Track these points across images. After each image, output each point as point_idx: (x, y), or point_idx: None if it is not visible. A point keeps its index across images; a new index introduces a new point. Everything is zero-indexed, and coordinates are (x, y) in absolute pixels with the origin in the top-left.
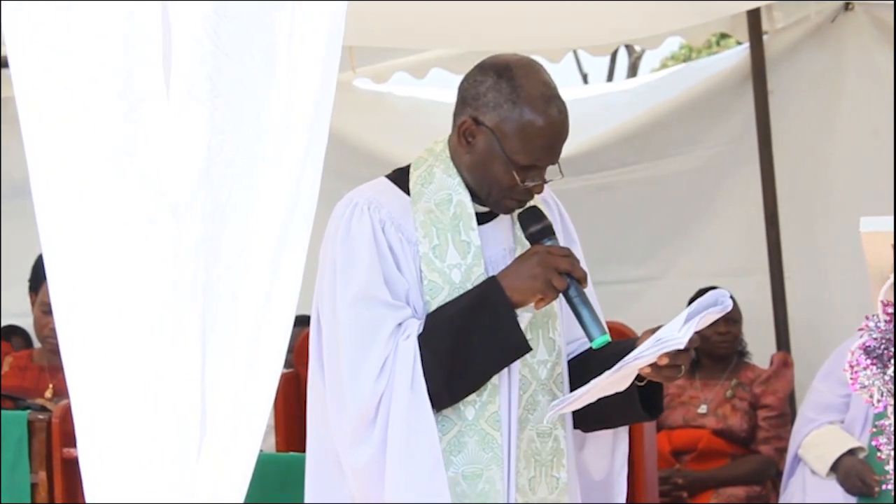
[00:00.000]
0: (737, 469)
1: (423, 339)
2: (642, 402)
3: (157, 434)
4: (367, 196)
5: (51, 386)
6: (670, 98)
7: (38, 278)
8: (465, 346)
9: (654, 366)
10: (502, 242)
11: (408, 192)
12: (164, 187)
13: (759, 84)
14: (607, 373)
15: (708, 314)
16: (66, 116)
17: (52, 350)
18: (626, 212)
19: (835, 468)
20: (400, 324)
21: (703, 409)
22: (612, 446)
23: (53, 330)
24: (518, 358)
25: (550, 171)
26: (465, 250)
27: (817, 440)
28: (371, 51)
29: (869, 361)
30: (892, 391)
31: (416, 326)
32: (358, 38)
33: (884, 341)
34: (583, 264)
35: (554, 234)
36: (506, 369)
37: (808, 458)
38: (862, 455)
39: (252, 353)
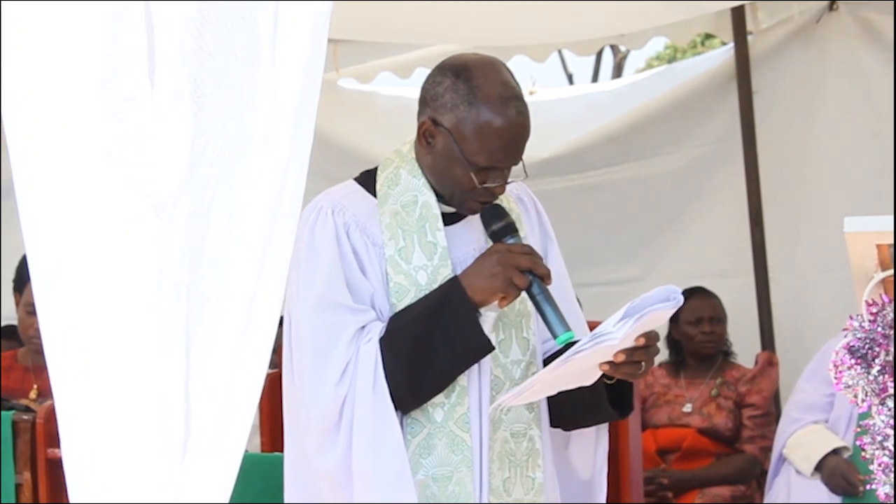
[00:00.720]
0: (722, 468)
1: (384, 342)
2: (612, 400)
3: (141, 434)
4: (332, 200)
5: (35, 386)
6: (655, 98)
7: (21, 279)
8: (426, 348)
9: (611, 363)
10: (471, 243)
11: (375, 195)
12: (148, 187)
13: (744, 84)
14: (550, 366)
15: (656, 310)
16: (50, 117)
17: (37, 350)
18: (610, 212)
19: (819, 468)
20: (363, 327)
21: (688, 407)
22: (594, 444)
23: (38, 330)
24: (481, 358)
25: (515, 171)
26: (431, 251)
27: (802, 440)
28: (356, 51)
29: (853, 361)
30: (877, 391)
31: (378, 329)
32: (343, 33)
33: (868, 341)
34: (558, 263)
35: (517, 231)
36: (475, 370)
37: (792, 457)
38: (846, 455)
39: (237, 353)
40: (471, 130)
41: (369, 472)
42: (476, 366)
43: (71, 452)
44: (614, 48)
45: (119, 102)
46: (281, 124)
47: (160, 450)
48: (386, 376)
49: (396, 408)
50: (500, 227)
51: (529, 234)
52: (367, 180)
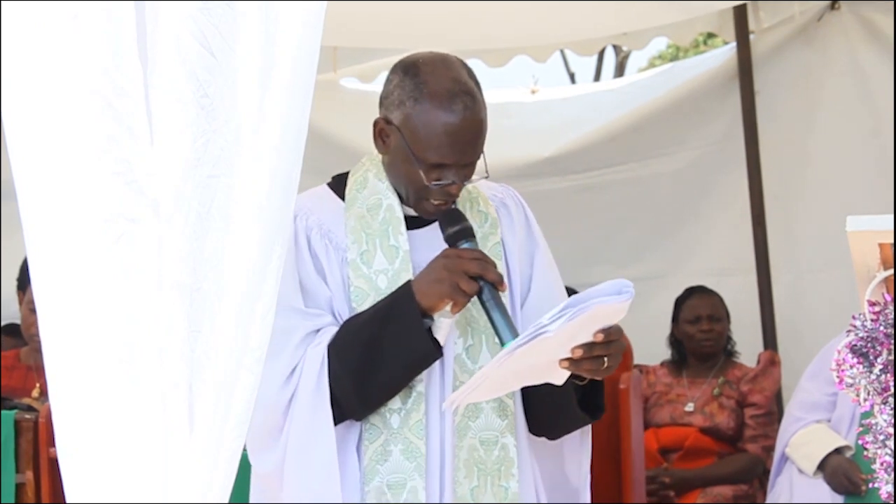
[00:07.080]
0: (724, 468)
1: (333, 347)
2: (583, 401)
3: (141, 434)
4: (300, 204)
5: (38, 385)
6: (657, 98)
7: (25, 277)
8: (373, 354)
9: (571, 359)
10: (437, 247)
11: (344, 198)
12: (148, 187)
13: (746, 84)
14: (493, 362)
15: (602, 304)
16: (50, 117)
17: (40, 349)
18: (612, 212)
19: (822, 467)
20: (318, 331)
21: (690, 407)
22: (580, 451)
23: None
24: (429, 365)
25: (478, 170)
26: (393, 255)
27: (804, 439)
28: (356, 51)
29: (855, 360)
30: (878, 390)
31: (330, 334)
32: (340, 39)
33: (870, 340)
34: (546, 270)
35: (473, 236)
36: (437, 375)
37: (795, 456)
38: (849, 454)
39: (237, 353)
40: (417, 126)
41: (297, 476)
42: (438, 371)
43: (68, 453)
44: (616, 48)
45: (116, 100)
46: (278, 123)
47: (160, 450)
48: (334, 382)
49: (348, 415)
50: (455, 231)
51: (510, 239)
52: (338, 184)
